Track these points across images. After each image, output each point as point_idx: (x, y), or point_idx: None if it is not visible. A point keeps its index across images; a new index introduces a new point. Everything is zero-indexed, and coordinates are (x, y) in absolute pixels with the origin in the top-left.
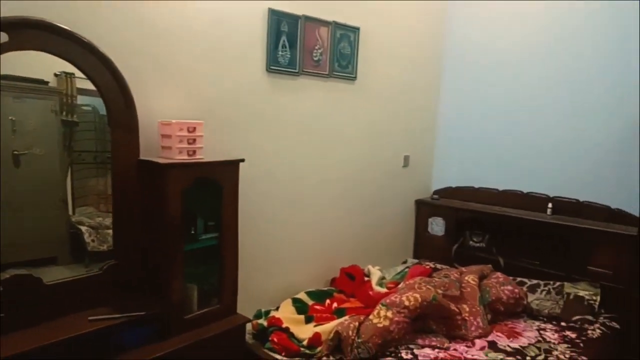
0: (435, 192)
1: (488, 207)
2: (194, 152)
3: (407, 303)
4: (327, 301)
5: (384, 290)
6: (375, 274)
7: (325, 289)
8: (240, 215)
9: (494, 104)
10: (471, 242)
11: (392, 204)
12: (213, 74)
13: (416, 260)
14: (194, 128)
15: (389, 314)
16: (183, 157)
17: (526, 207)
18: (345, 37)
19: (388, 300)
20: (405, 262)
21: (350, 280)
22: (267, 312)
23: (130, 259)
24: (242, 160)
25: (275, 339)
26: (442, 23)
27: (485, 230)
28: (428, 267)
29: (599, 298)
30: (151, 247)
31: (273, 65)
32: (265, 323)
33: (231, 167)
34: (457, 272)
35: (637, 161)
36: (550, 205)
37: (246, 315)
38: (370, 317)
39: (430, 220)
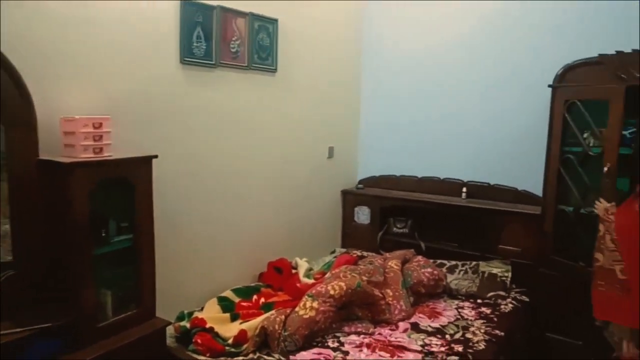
0: (360, 182)
1: (409, 194)
2: (101, 149)
3: (332, 292)
4: (254, 297)
5: (311, 281)
6: (303, 265)
7: (253, 284)
8: (159, 214)
9: (412, 95)
10: (395, 229)
11: (319, 195)
12: (123, 66)
13: (344, 250)
14: (100, 124)
15: (315, 304)
16: (88, 155)
17: (444, 192)
18: (264, 28)
19: (314, 291)
20: (333, 252)
21: (278, 274)
22: (191, 314)
23: (33, 268)
24: (155, 157)
25: (199, 340)
26: (362, 16)
27: (408, 216)
28: (355, 255)
29: (510, 274)
30: (58, 253)
31: (187, 56)
32: (188, 325)
33: (143, 164)
34: (381, 258)
35: (543, 146)
36: (464, 189)
37: (168, 319)
38: (297, 309)
39: (356, 209)
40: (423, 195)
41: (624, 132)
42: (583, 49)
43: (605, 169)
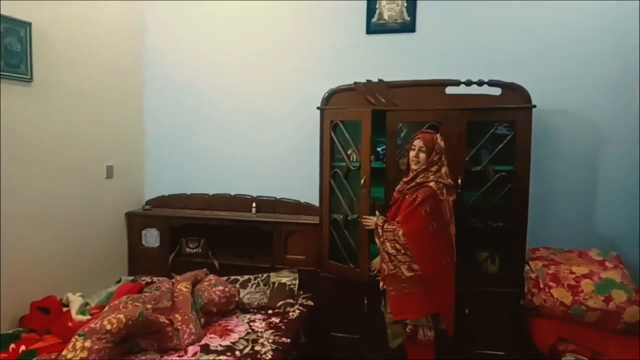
0: (148, 202)
1: (201, 212)
2: None
3: (109, 327)
4: (12, 346)
5: (86, 317)
6: (76, 301)
7: (10, 331)
8: None
9: (199, 113)
10: (188, 249)
11: (98, 219)
12: None
13: (131, 278)
14: None
15: (87, 343)
16: None
17: (235, 208)
18: (13, 32)
19: (86, 329)
20: (119, 282)
21: (45, 315)
22: None
23: None
24: None
25: None
26: (141, 25)
27: (201, 235)
28: (142, 282)
29: (297, 282)
30: None
31: None
32: None
33: None
34: (169, 282)
35: (316, 161)
36: (254, 204)
37: None
38: (64, 352)
39: (143, 232)
40: (215, 212)
41: (378, 149)
42: (350, 75)
43: (362, 180)
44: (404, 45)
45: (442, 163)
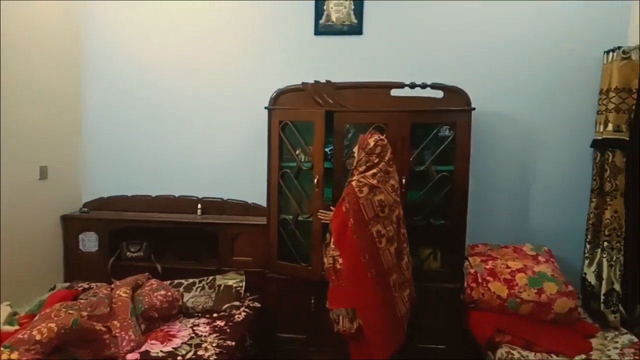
0: (85, 205)
1: (143, 214)
2: None
3: (38, 337)
4: None
5: (14, 328)
6: (3, 311)
7: None
8: None
9: (142, 110)
10: (129, 253)
11: (31, 224)
12: None
13: (67, 284)
14: None
15: (14, 355)
16: None
17: (179, 210)
18: None
19: (13, 340)
20: (53, 289)
21: None
22: None
23: None
24: None
25: None
26: (78, 18)
27: (143, 238)
28: (79, 288)
29: (244, 284)
30: None
31: None
32: None
33: None
34: (108, 288)
35: (264, 161)
36: (199, 206)
37: None
38: None
39: (81, 236)
40: (158, 214)
41: (326, 149)
42: (299, 76)
43: (315, 180)
44: (352, 48)
45: (372, 164)
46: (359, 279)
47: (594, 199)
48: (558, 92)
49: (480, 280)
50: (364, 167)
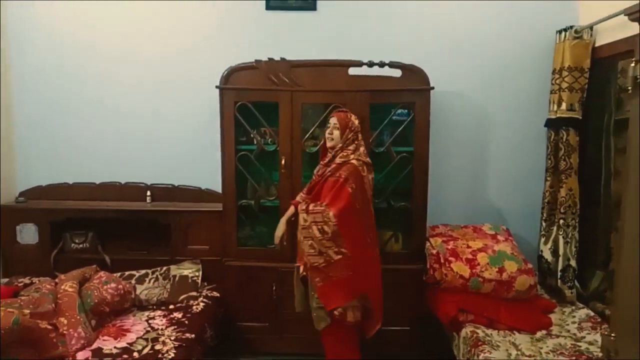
0: (22, 194)
1: (87, 203)
2: None
3: None
4: None
5: None
6: None
7: None
8: None
9: (82, 89)
10: (73, 245)
11: None
12: None
13: (6, 280)
14: None
15: None
16: None
17: (126, 197)
18: None
19: None
20: None
21: None
22: None
23: None
24: None
25: None
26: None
27: (88, 228)
28: (19, 284)
29: (200, 273)
30: None
31: None
32: None
33: None
34: (52, 282)
35: (216, 146)
36: (149, 193)
37: None
38: None
39: (18, 228)
40: (103, 203)
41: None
42: (252, 53)
43: (282, 161)
44: (306, 24)
45: (359, 142)
46: (367, 262)
47: (548, 178)
48: (512, 72)
49: (442, 260)
50: (353, 145)
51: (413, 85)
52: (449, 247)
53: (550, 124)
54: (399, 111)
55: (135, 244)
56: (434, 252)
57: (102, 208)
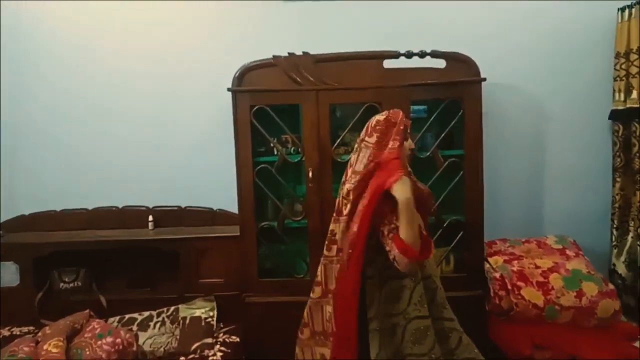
0: (1, 227)
1: (78, 233)
2: None
3: None
4: None
5: None
6: None
7: None
8: None
9: (71, 99)
10: (62, 285)
11: None
12: None
13: None
14: None
15: None
16: None
17: (125, 225)
18: None
19: None
20: None
21: None
22: None
23: None
24: None
25: None
26: None
27: (80, 264)
28: None
29: (215, 312)
30: None
31: None
32: None
33: None
34: (31, 341)
35: (230, 158)
36: (151, 217)
37: None
38: None
39: None
40: (97, 232)
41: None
42: (269, 49)
43: (310, 174)
44: (329, 13)
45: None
46: None
47: (618, 179)
48: (566, 58)
49: (509, 286)
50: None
51: (460, 76)
52: (514, 268)
53: (617, 115)
54: (415, 107)
55: (136, 280)
56: (497, 275)
57: (97, 239)
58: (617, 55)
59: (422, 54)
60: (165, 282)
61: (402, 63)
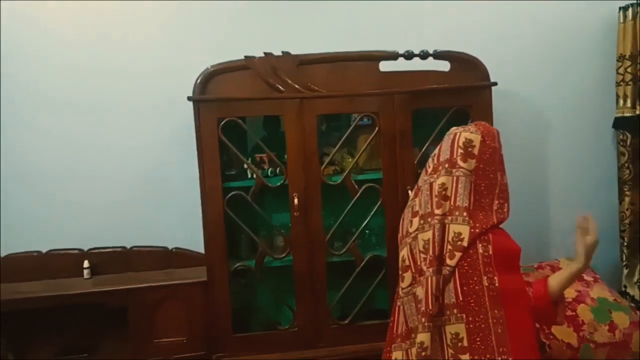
0: None
1: None
2: None
3: None
4: None
5: None
6: None
7: None
8: None
9: None
10: None
11: None
12: None
13: None
14: None
15: None
16: None
17: (52, 274)
18: None
19: None
20: None
21: None
22: None
23: None
24: None
25: None
26: None
27: None
28: None
29: None
30: None
31: None
32: None
33: None
34: None
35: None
36: (86, 263)
37: None
38: None
39: None
40: (14, 286)
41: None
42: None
43: (295, 201)
44: (316, 6)
45: None
46: None
47: (627, 192)
48: (565, 62)
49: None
50: None
51: (467, 80)
52: None
53: (623, 123)
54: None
55: (71, 344)
56: None
57: (13, 297)
58: (620, 58)
59: (423, 55)
60: (109, 345)
61: (401, 65)
